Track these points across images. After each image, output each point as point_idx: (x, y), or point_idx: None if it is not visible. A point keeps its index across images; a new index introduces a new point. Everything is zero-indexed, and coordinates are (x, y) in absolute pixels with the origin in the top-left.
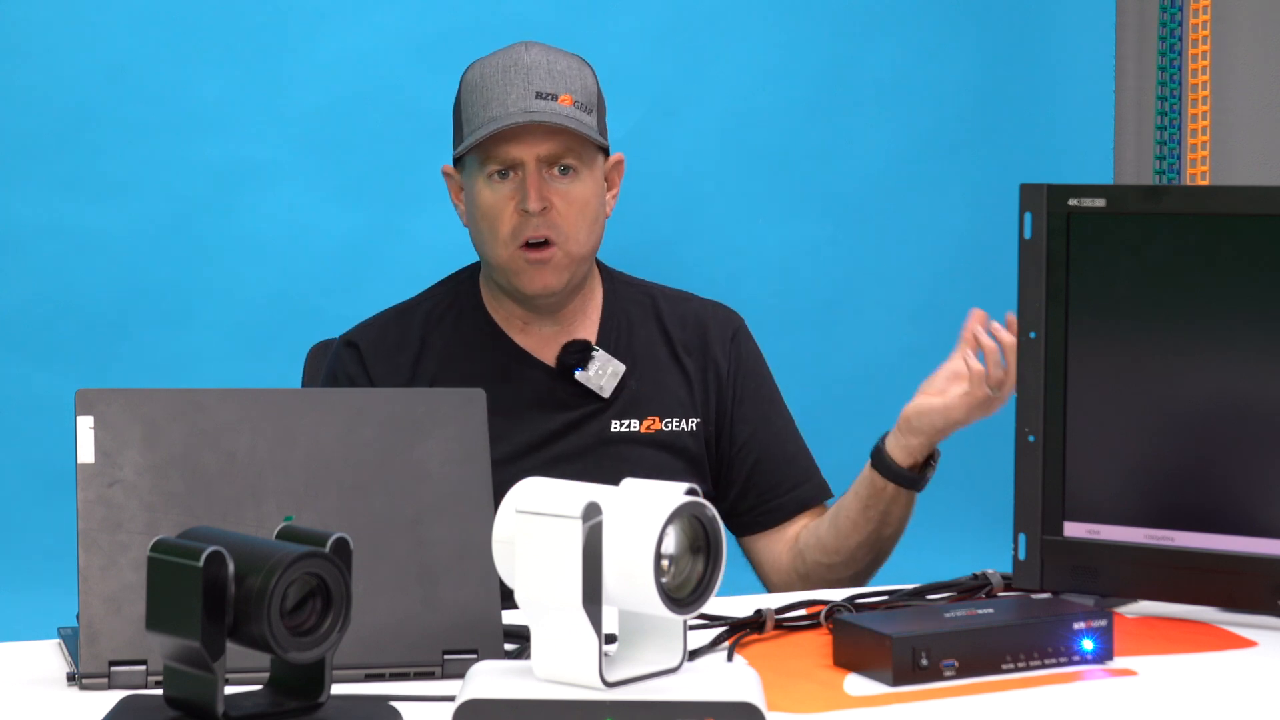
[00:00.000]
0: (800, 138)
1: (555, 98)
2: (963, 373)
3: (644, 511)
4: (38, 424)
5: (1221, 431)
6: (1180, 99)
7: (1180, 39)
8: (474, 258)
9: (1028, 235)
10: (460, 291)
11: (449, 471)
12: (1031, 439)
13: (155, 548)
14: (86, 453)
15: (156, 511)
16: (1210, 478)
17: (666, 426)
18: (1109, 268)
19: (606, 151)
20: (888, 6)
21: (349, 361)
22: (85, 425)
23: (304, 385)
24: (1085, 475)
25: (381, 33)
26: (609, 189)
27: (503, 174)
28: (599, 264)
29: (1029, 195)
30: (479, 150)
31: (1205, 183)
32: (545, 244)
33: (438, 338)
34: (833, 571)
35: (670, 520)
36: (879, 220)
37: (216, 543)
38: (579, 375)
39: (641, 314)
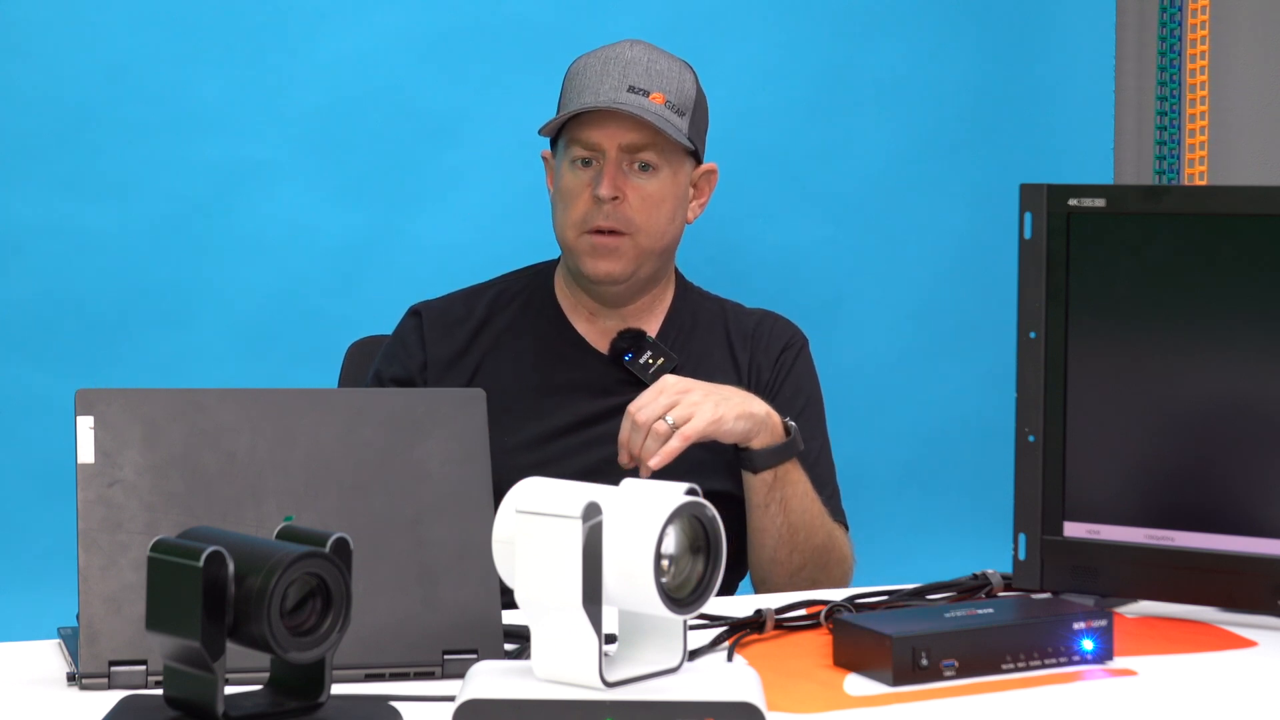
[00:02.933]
0: (800, 138)
1: (647, 94)
2: None
3: (644, 511)
4: (38, 424)
5: (1221, 431)
6: (1180, 99)
7: (1180, 39)
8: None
9: (1028, 235)
10: (537, 277)
11: (449, 471)
12: (1031, 439)
13: (155, 548)
14: (86, 453)
15: (156, 511)
16: (1210, 478)
17: None
18: (1109, 268)
19: (697, 157)
20: (888, 6)
21: (409, 329)
22: (85, 425)
23: (341, 383)
24: (1085, 475)
25: (381, 33)
26: (698, 196)
27: (585, 162)
28: (679, 275)
29: (1029, 195)
30: (567, 134)
31: (1204, 183)
32: (614, 233)
33: (501, 316)
34: (778, 580)
35: (670, 520)
36: (879, 220)
37: (216, 543)
38: (627, 361)
39: (709, 320)
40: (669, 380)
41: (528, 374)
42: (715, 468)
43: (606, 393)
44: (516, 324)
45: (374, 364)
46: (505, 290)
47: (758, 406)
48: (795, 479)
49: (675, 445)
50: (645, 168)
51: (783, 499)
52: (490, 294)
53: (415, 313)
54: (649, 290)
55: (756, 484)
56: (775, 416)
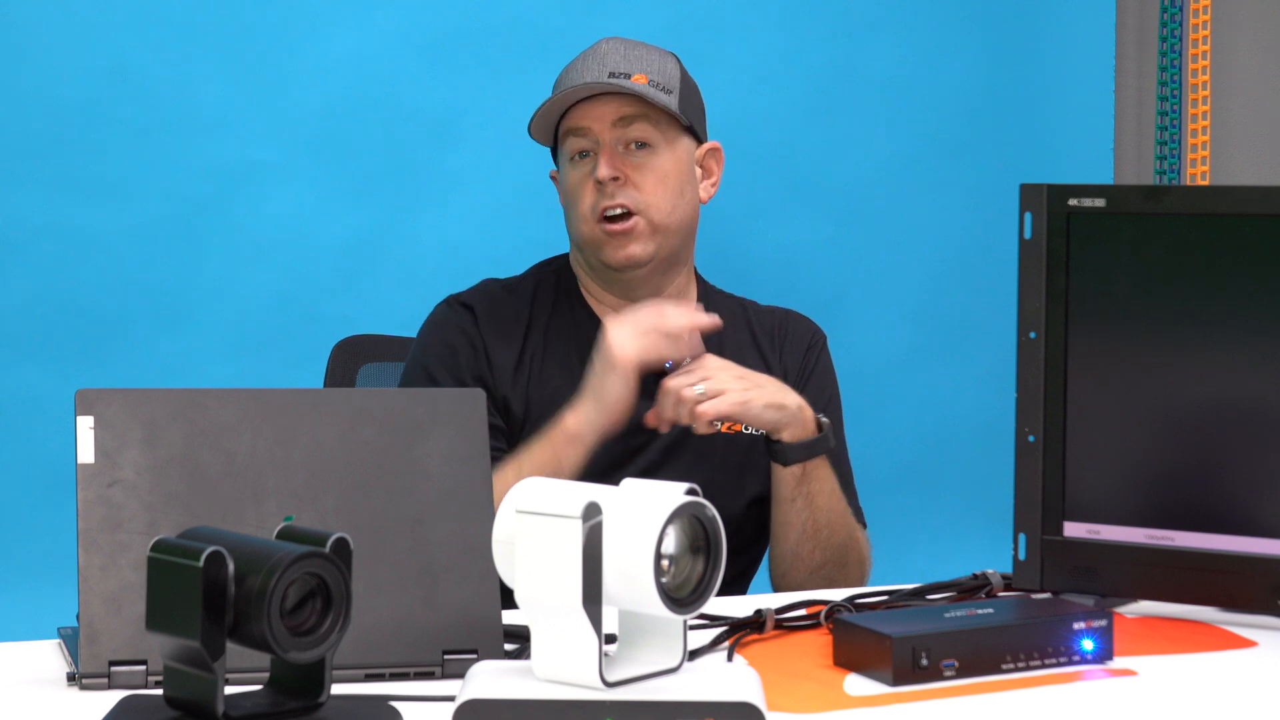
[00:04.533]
0: (800, 138)
1: (628, 76)
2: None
3: (644, 511)
4: (38, 424)
5: (1221, 431)
6: (1180, 99)
7: (1180, 39)
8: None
9: (1028, 235)
10: (559, 275)
11: (449, 471)
12: (1031, 439)
13: (155, 548)
14: (86, 453)
15: (156, 511)
16: (1210, 478)
17: (747, 429)
18: (1109, 268)
19: (697, 136)
20: (888, 6)
21: (465, 322)
22: (85, 425)
23: (327, 382)
24: (1085, 475)
25: (381, 33)
26: (707, 176)
27: (583, 155)
28: (697, 274)
29: (1029, 195)
30: (561, 134)
31: (1205, 183)
32: (625, 215)
33: (542, 316)
34: (798, 575)
35: (670, 520)
36: (879, 220)
37: (216, 543)
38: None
39: (733, 320)
40: (711, 359)
41: (576, 379)
42: (749, 471)
43: (647, 396)
44: (557, 325)
45: (417, 359)
46: (536, 287)
47: (791, 399)
48: (823, 475)
49: (705, 409)
50: (641, 146)
51: (809, 494)
52: (523, 291)
53: (465, 305)
54: (672, 276)
55: (785, 477)
56: (808, 411)
